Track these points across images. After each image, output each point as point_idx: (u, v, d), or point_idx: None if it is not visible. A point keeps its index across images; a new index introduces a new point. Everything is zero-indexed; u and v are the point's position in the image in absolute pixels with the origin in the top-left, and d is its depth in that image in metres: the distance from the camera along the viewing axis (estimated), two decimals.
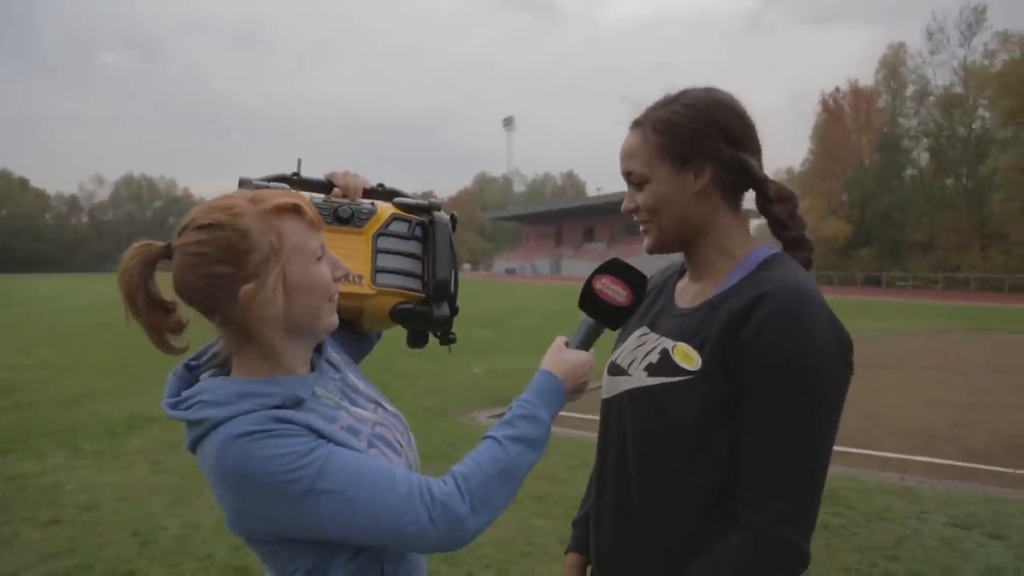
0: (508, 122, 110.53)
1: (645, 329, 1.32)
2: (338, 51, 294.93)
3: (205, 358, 1.15)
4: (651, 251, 1.29)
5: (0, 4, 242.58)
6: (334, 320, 1.13)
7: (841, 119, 55.02)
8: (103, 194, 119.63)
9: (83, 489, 4.87)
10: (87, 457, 5.74)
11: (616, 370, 1.32)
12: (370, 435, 1.13)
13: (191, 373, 1.13)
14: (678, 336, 1.22)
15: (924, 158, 54.13)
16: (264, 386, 1.04)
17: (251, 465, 0.97)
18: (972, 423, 7.19)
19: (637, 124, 1.26)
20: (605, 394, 1.34)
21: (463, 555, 3.65)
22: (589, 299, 1.29)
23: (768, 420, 1.09)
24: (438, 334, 1.41)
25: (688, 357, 1.17)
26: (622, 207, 1.29)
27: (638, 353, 1.28)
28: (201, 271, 1.02)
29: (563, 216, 77.46)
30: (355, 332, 1.42)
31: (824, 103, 55.77)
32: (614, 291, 1.28)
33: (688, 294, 1.30)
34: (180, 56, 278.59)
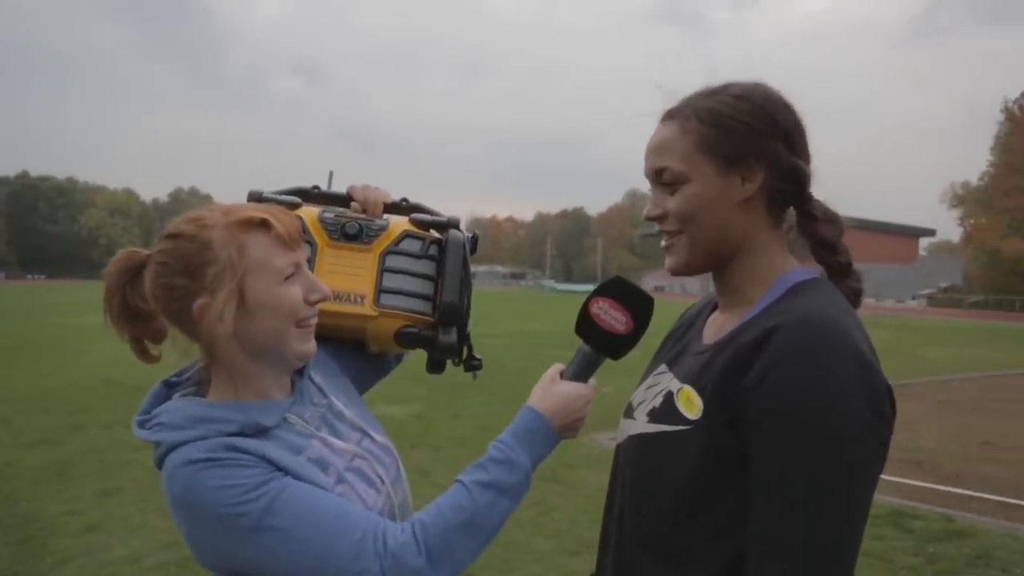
0: None
1: (664, 368, 1.14)
2: (485, 72, 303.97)
3: (186, 375, 1.11)
4: (676, 271, 1.08)
5: (191, 43, 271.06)
6: (308, 347, 1.05)
7: None
8: None
9: None
10: None
11: (628, 411, 1.15)
12: (343, 469, 1.06)
13: (169, 390, 1.09)
14: (687, 377, 1.04)
15: None
16: (223, 411, 0.99)
17: (198, 495, 0.93)
18: None
19: (673, 115, 1.06)
20: (617, 439, 1.17)
21: None
22: (585, 325, 1.12)
23: (773, 487, 0.88)
24: (456, 361, 1.31)
25: (691, 403, 0.99)
26: (645, 213, 1.09)
27: (648, 394, 1.11)
28: (164, 281, 1.00)
29: None
30: (368, 354, 1.34)
31: (1008, 111, 50.64)
32: (612, 317, 1.09)
33: (714, 328, 1.10)
34: (341, 81, 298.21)
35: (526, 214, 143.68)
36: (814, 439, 0.86)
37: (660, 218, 1.06)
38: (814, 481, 0.86)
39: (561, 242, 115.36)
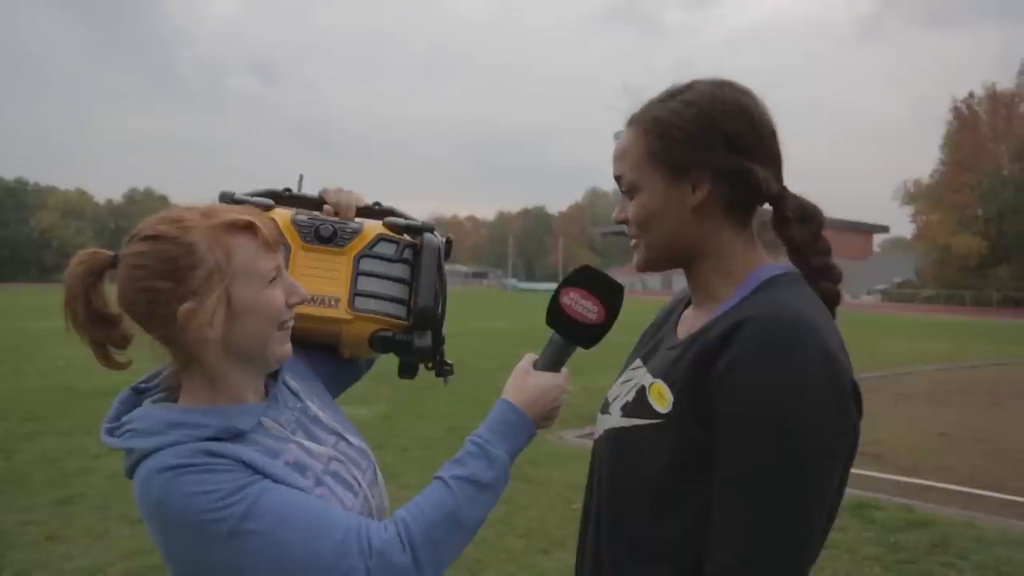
0: (618, 136, 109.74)
1: (639, 362, 1.15)
2: (446, 71, 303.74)
3: (156, 380, 1.08)
4: (640, 269, 1.12)
5: (144, 41, 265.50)
6: (286, 350, 1.04)
7: (976, 127, 51.21)
8: None
9: None
10: None
11: (604, 407, 1.16)
12: (321, 472, 1.04)
13: (138, 396, 1.06)
14: (658, 372, 1.05)
15: None
16: (199, 416, 0.97)
17: (174, 502, 0.90)
18: None
19: (632, 122, 1.08)
20: (595, 434, 1.18)
21: None
22: (556, 316, 1.12)
23: (736, 479, 0.90)
24: (429, 365, 1.31)
25: (661, 397, 1.00)
26: (613, 216, 1.12)
27: (623, 389, 1.12)
28: (141, 285, 0.96)
29: None
30: (339, 358, 1.33)
31: (956, 110, 52.12)
32: (583, 307, 1.10)
33: (687, 323, 1.12)
34: (298, 80, 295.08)
35: (487, 213, 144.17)
36: (776, 434, 0.87)
37: (625, 222, 1.09)
38: (774, 475, 0.87)
39: (523, 241, 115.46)
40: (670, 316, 1.20)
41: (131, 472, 0.95)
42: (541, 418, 1.11)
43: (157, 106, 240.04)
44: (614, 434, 1.08)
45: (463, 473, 1.02)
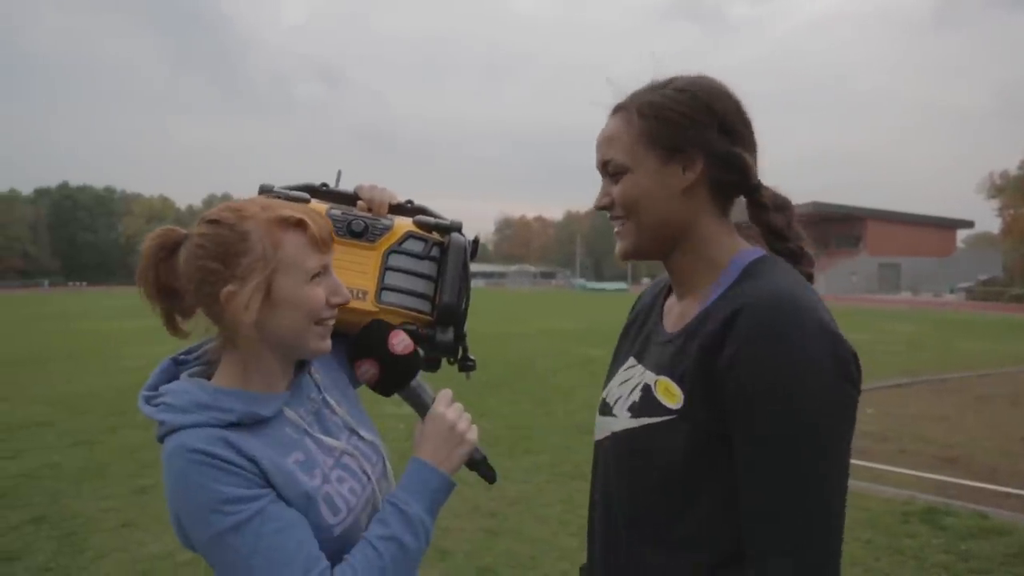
0: None
1: (632, 361, 1.17)
2: (508, 72, 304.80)
3: (196, 354, 1.15)
4: (624, 256, 1.13)
5: (217, 53, 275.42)
6: (324, 345, 1.10)
7: None
8: None
9: None
10: None
11: (604, 409, 1.18)
12: (330, 467, 1.10)
13: (177, 367, 1.13)
14: (660, 368, 1.06)
15: None
16: (226, 399, 1.03)
17: (186, 484, 0.98)
18: None
19: (620, 108, 1.11)
20: (596, 435, 1.20)
21: None
22: (377, 384, 1.20)
23: (757, 461, 0.92)
24: (451, 360, 1.35)
25: (670, 393, 1.02)
26: (594, 203, 1.14)
27: (623, 390, 1.14)
28: (198, 263, 1.03)
29: None
30: None
31: None
32: (365, 372, 1.19)
33: (673, 315, 1.13)
34: (363, 84, 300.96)
35: (555, 213, 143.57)
36: (789, 416, 0.89)
37: (608, 207, 1.11)
38: (796, 456, 0.89)
39: (591, 240, 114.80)
40: (651, 310, 1.21)
41: (161, 439, 1.03)
42: (449, 457, 1.15)
43: (230, 113, 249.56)
44: (626, 435, 1.09)
45: (386, 533, 1.06)
